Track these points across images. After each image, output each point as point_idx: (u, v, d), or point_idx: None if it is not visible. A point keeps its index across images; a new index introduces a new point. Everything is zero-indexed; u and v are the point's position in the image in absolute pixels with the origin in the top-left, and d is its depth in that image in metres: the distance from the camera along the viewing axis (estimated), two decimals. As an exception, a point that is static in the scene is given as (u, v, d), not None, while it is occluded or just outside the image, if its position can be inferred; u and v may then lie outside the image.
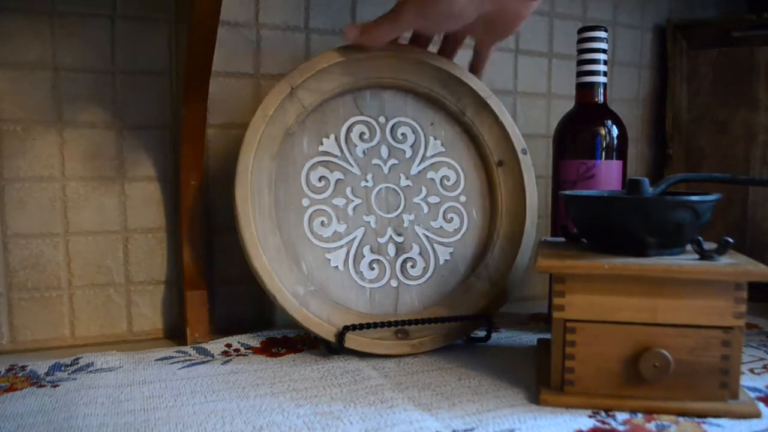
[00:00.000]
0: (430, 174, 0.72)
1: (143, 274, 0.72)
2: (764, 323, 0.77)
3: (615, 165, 0.72)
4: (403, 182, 0.71)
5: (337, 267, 0.67)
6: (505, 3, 0.63)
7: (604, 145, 0.72)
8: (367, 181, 0.69)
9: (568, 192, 0.58)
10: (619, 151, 0.73)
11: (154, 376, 0.58)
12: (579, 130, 0.73)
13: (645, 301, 0.50)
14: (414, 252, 0.70)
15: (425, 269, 0.70)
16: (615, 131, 0.73)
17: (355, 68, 0.68)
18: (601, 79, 0.74)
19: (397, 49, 0.69)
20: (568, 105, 0.77)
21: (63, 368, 0.60)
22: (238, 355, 0.64)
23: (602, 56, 0.73)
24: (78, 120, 0.68)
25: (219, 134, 0.74)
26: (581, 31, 0.74)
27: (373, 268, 0.68)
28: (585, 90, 0.74)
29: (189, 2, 0.57)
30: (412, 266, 0.70)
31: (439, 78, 0.71)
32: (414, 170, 0.71)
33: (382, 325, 0.64)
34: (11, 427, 0.47)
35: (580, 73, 0.75)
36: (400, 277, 0.69)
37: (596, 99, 0.74)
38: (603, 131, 0.72)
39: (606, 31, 0.73)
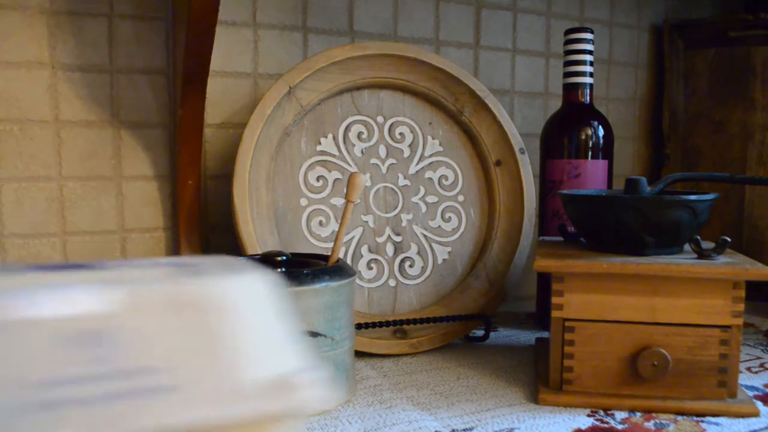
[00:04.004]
0: (428, 173, 0.72)
1: (141, 274, 0.72)
2: (761, 322, 0.78)
3: (601, 164, 0.73)
4: (402, 182, 0.71)
5: (335, 267, 0.67)
6: None
7: (590, 145, 0.73)
8: (365, 181, 0.69)
9: (566, 191, 0.58)
10: (605, 151, 0.74)
11: (152, 376, 0.58)
12: (565, 130, 0.74)
13: (643, 300, 0.51)
14: (412, 251, 0.70)
15: (423, 269, 0.70)
16: (601, 131, 0.73)
17: (353, 68, 0.68)
18: (588, 80, 0.74)
19: (396, 49, 0.69)
20: (566, 104, 0.77)
21: (60, 368, 0.59)
22: (236, 355, 0.64)
23: (588, 57, 0.74)
24: (75, 119, 0.68)
25: (217, 134, 0.74)
26: (567, 32, 0.74)
27: (371, 268, 0.68)
28: (571, 90, 0.75)
29: (186, 1, 0.57)
30: (411, 266, 0.70)
31: (437, 77, 0.71)
32: (412, 170, 0.71)
33: (381, 324, 0.64)
34: (9, 428, 0.46)
35: (566, 74, 0.75)
36: (399, 277, 0.69)
37: (583, 99, 0.74)
38: (589, 131, 0.73)
39: (592, 32, 0.74)
